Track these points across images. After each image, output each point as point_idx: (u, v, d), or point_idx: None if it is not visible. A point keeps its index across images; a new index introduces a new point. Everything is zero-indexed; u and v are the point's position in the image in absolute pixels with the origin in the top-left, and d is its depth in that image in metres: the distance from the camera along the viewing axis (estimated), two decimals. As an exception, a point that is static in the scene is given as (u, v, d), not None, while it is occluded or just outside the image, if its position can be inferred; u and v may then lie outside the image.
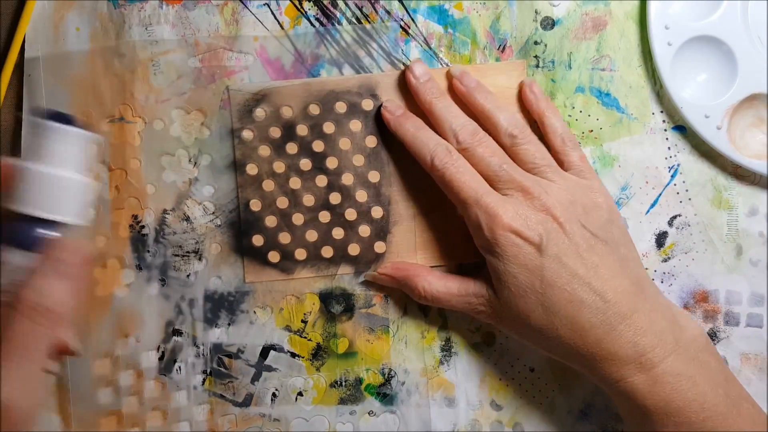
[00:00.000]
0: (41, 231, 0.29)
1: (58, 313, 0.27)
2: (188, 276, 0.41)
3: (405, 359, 0.42)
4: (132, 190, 0.41)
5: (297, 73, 0.41)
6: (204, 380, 0.42)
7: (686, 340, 0.37)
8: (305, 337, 0.42)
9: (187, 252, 0.41)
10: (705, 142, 0.41)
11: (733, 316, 0.43)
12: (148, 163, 0.41)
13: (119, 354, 0.42)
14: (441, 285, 0.39)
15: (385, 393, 0.42)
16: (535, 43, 0.42)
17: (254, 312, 0.42)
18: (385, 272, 0.41)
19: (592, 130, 0.42)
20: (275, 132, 0.41)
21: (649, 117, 0.42)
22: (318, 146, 0.41)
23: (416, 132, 0.39)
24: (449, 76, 0.40)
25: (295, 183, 0.41)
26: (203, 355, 0.42)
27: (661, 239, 0.43)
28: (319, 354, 0.42)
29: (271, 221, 0.41)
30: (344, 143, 0.41)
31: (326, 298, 0.42)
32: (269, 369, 0.42)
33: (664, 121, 0.42)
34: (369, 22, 0.41)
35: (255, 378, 0.42)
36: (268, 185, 0.41)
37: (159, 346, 0.42)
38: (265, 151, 0.41)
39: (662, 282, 0.43)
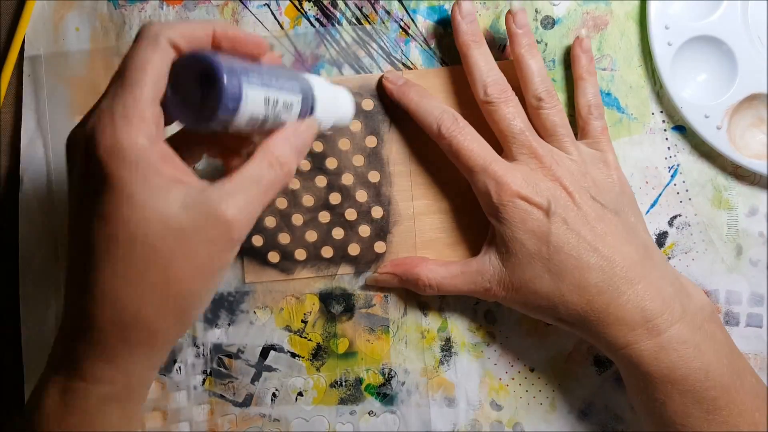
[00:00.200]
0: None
1: (288, 170, 0.30)
2: (188, 276, 0.41)
3: (405, 359, 0.42)
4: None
5: (297, 73, 0.41)
6: (204, 380, 0.42)
7: (693, 308, 0.37)
8: (305, 337, 0.42)
9: (187, 252, 0.41)
10: (705, 142, 0.41)
11: (733, 316, 0.43)
12: (148, 163, 0.41)
13: (119, 354, 0.42)
14: (443, 270, 0.39)
15: (385, 393, 0.42)
16: (536, 42, 0.42)
17: (254, 312, 0.42)
18: (385, 270, 0.41)
19: (592, 130, 0.42)
20: (275, 132, 0.41)
21: (649, 117, 0.42)
22: (317, 146, 0.41)
23: (420, 100, 0.39)
24: (508, 18, 0.39)
25: (294, 183, 0.41)
26: (203, 355, 0.42)
27: (661, 239, 0.43)
28: (319, 354, 0.42)
29: (270, 221, 0.41)
30: (344, 143, 0.41)
31: (326, 298, 0.42)
32: (269, 369, 0.42)
33: (663, 121, 0.42)
34: (369, 23, 0.41)
35: (255, 378, 0.42)
36: (268, 185, 0.41)
37: (159, 346, 0.42)
38: (265, 151, 0.41)
39: (662, 282, 0.43)
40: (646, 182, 0.42)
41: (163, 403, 0.42)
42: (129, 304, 0.28)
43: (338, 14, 0.41)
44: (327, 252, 0.41)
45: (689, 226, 0.43)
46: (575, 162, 0.38)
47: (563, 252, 0.36)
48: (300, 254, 0.41)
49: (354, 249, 0.42)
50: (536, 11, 0.42)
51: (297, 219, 0.41)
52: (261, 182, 0.29)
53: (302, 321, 0.42)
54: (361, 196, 0.41)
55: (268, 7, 0.41)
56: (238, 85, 0.27)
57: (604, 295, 0.36)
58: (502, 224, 0.37)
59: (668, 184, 0.42)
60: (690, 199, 0.42)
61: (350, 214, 0.41)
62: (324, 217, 0.41)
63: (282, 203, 0.41)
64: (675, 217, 0.43)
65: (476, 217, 0.40)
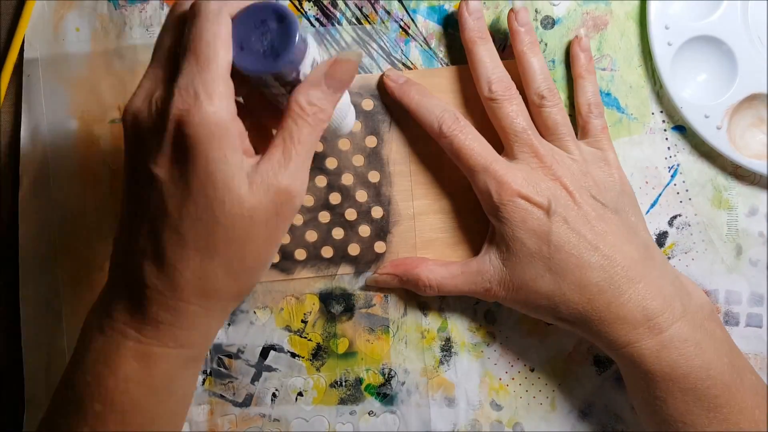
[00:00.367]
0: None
1: (324, 114, 0.31)
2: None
3: (405, 359, 0.42)
4: (132, 191, 0.41)
5: (297, 73, 0.41)
6: (204, 380, 0.42)
7: (693, 307, 0.37)
8: (305, 337, 0.42)
9: (187, 252, 0.41)
10: (705, 142, 0.41)
11: (733, 316, 0.43)
12: (148, 164, 0.41)
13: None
14: (444, 271, 0.39)
15: (385, 393, 0.42)
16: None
17: (254, 312, 0.42)
18: (385, 271, 0.41)
19: (592, 130, 0.42)
20: (275, 132, 0.41)
21: (649, 117, 0.42)
22: (317, 146, 0.41)
23: (421, 99, 0.39)
24: (510, 16, 0.40)
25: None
26: (203, 355, 0.42)
27: (661, 239, 0.43)
28: (319, 354, 0.42)
29: (271, 221, 0.41)
30: (344, 143, 0.41)
31: (326, 298, 0.42)
32: (269, 369, 0.42)
33: (663, 121, 0.42)
34: (369, 23, 0.41)
35: (255, 378, 0.42)
36: (268, 185, 0.41)
37: (159, 347, 0.42)
38: (265, 151, 0.41)
39: (662, 282, 0.43)
40: (646, 182, 0.42)
41: (163, 403, 0.42)
42: (212, 277, 0.30)
43: (338, 14, 0.41)
44: (327, 252, 0.42)
45: (689, 226, 0.43)
46: (576, 161, 0.38)
47: (564, 251, 0.36)
48: (300, 254, 0.41)
49: (354, 249, 0.42)
50: (536, 11, 0.42)
51: (297, 219, 0.41)
52: (302, 140, 0.30)
53: (302, 321, 0.42)
54: (361, 196, 0.41)
55: (268, 7, 0.41)
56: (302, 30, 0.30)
57: (605, 294, 0.36)
58: (503, 223, 0.37)
59: (668, 184, 0.42)
60: (690, 199, 0.42)
61: (350, 214, 0.41)
62: (324, 217, 0.41)
63: (282, 203, 0.41)
64: (675, 217, 0.43)
65: (476, 217, 0.40)
